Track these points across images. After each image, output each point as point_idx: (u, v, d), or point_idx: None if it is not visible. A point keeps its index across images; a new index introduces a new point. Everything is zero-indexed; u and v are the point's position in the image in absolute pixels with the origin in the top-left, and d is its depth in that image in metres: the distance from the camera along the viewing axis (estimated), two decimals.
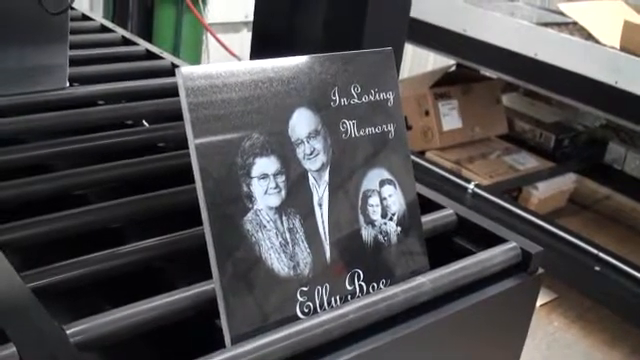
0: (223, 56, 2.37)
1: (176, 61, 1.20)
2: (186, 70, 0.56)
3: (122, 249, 0.66)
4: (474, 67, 2.67)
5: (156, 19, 2.48)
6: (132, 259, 0.65)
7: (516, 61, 2.29)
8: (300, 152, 0.62)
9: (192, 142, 0.56)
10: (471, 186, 2.40)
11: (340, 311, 0.59)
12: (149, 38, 2.46)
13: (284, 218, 0.60)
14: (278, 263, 0.59)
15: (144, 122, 1.03)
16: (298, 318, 0.59)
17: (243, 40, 2.68)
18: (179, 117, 0.94)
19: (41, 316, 0.54)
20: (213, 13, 2.55)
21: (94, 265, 0.63)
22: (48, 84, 1.00)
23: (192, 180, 0.56)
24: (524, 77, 2.37)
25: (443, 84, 2.78)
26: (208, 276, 0.57)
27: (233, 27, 2.68)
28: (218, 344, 0.55)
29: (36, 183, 0.77)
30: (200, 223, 0.56)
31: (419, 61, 3.46)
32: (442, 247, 0.78)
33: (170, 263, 0.71)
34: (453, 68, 2.99)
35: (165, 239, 0.68)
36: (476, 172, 2.60)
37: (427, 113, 2.71)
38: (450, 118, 2.74)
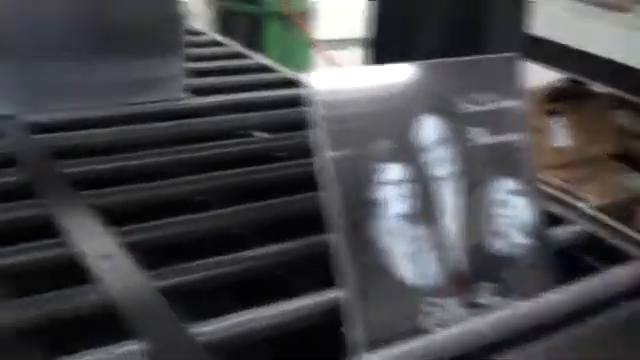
0: None
1: (289, 74, 1.21)
2: (317, 80, 0.56)
3: (244, 254, 0.66)
4: (585, 81, 2.58)
5: (263, 36, 2.53)
6: (253, 265, 0.65)
7: (630, 75, 2.19)
8: (426, 160, 0.61)
9: (325, 153, 0.55)
10: (583, 206, 2.31)
11: (471, 324, 0.57)
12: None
13: (411, 226, 0.58)
14: (405, 272, 0.57)
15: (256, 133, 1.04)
16: (425, 329, 0.57)
17: (350, 56, 2.69)
18: (296, 127, 0.95)
19: (169, 316, 0.54)
20: (320, 30, 2.58)
21: (217, 268, 0.63)
22: (164, 94, 1.04)
23: (308, 188, 0.56)
24: (638, 92, 2.27)
25: (553, 100, 2.70)
26: (328, 284, 0.56)
27: (339, 44, 2.70)
28: (341, 353, 0.54)
29: (157, 188, 0.79)
30: (317, 232, 0.56)
31: (528, 76, 3.37)
32: (568, 262, 0.74)
33: (288, 270, 0.71)
34: (563, 83, 2.89)
35: (286, 246, 0.68)
36: (587, 191, 2.50)
37: (537, 130, 2.64)
38: (560, 135, 2.66)
